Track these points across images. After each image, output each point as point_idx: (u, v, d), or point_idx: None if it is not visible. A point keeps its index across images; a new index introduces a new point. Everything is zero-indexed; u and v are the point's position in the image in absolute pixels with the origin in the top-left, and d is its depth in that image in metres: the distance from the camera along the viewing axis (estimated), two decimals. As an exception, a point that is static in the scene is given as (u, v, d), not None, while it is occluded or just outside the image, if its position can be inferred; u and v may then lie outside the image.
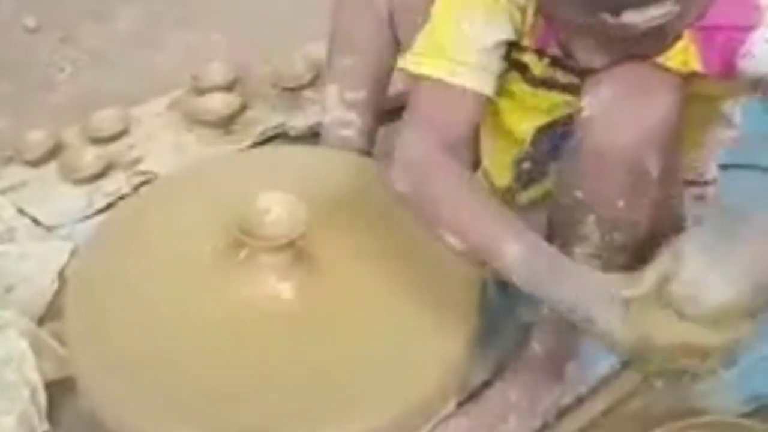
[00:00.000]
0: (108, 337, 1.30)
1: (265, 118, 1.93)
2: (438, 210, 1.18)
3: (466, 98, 1.20)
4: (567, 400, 1.41)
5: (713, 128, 1.32)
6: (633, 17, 0.98)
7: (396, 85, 1.61)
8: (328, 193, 1.45)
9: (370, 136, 1.63)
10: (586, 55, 1.10)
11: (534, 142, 1.36)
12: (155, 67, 2.13)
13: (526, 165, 1.39)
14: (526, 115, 1.34)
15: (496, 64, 1.22)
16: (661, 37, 1.07)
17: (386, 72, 1.57)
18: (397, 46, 1.53)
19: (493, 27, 1.19)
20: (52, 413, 1.36)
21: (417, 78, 1.22)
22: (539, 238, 1.16)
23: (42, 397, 1.35)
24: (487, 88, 1.21)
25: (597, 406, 1.39)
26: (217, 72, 2.02)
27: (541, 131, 1.34)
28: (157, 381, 1.25)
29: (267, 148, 1.82)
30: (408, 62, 1.23)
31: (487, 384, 1.39)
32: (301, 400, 1.23)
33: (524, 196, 1.43)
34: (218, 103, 1.93)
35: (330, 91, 1.58)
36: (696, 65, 1.11)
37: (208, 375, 1.25)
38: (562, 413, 1.39)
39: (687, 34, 1.09)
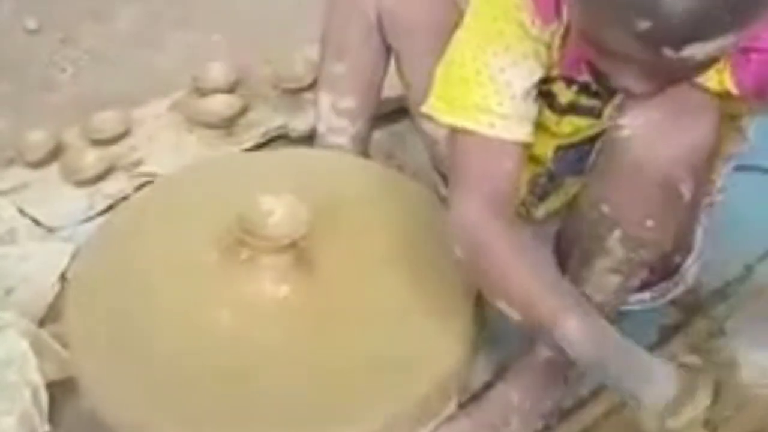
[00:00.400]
0: (109, 339, 1.30)
1: (266, 119, 1.93)
2: (492, 281, 1.19)
3: (506, 150, 1.19)
4: (568, 402, 1.40)
5: (730, 142, 1.32)
6: (694, 50, 0.95)
7: (392, 89, 1.61)
8: (329, 194, 1.45)
9: (363, 143, 1.63)
10: (631, 82, 1.05)
11: (554, 160, 1.36)
12: (156, 68, 2.13)
13: (543, 180, 1.39)
14: (549, 139, 1.34)
15: (531, 108, 1.20)
16: (710, 64, 1.04)
17: (377, 78, 1.57)
18: (387, 51, 1.53)
19: (522, 70, 1.17)
20: (53, 414, 1.36)
21: (452, 129, 1.21)
22: (592, 310, 1.17)
23: (43, 398, 1.35)
24: (526, 135, 1.20)
25: (598, 408, 1.39)
26: (218, 73, 2.02)
27: (562, 150, 1.35)
28: (157, 382, 1.25)
29: (268, 150, 1.82)
30: (438, 110, 1.21)
31: (488, 385, 1.39)
32: (302, 402, 1.23)
33: (542, 209, 1.43)
34: (219, 104, 1.93)
35: (322, 99, 1.58)
36: (729, 85, 1.10)
37: (208, 376, 1.25)
38: (564, 415, 1.39)
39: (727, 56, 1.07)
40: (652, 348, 1.47)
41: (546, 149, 1.35)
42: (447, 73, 1.21)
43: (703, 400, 1.11)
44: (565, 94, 1.26)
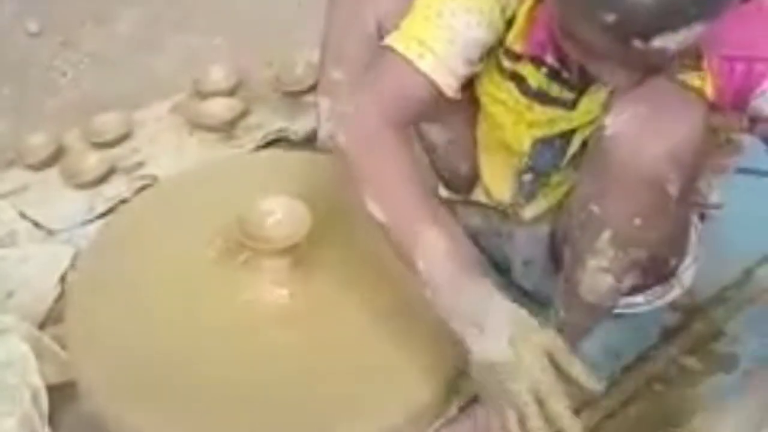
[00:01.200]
0: (109, 341, 1.30)
1: (266, 122, 1.93)
2: (368, 176, 1.20)
3: (424, 85, 1.21)
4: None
5: (720, 153, 1.31)
6: (664, 41, 0.97)
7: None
8: (328, 198, 1.45)
9: None
10: (610, 75, 1.07)
11: (533, 154, 1.36)
12: (156, 71, 2.14)
13: (527, 177, 1.39)
14: (526, 129, 1.34)
15: (461, 69, 1.21)
16: (685, 55, 1.05)
17: None
18: None
19: (472, 19, 1.19)
20: (53, 416, 1.36)
21: (387, 48, 1.23)
22: (461, 237, 1.21)
23: (43, 401, 1.35)
24: (447, 86, 1.21)
25: (598, 411, 1.39)
26: (218, 76, 2.02)
27: (541, 143, 1.34)
28: (157, 385, 1.25)
29: (268, 153, 1.82)
30: (390, 38, 1.23)
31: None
32: (302, 405, 1.23)
33: (529, 210, 1.43)
34: (220, 107, 1.93)
35: (322, 104, 1.58)
36: (708, 92, 1.10)
37: (208, 379, 1.25)
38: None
39: (707, 60, 1.08)
40: (653, 349, 1.47)
41: (523, 141, 1.34)
42: (414, 13, 1.23)
43: (531, 371, 1.08)
44: (535, 77, 1.26)
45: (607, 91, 1.18)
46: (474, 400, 1.37)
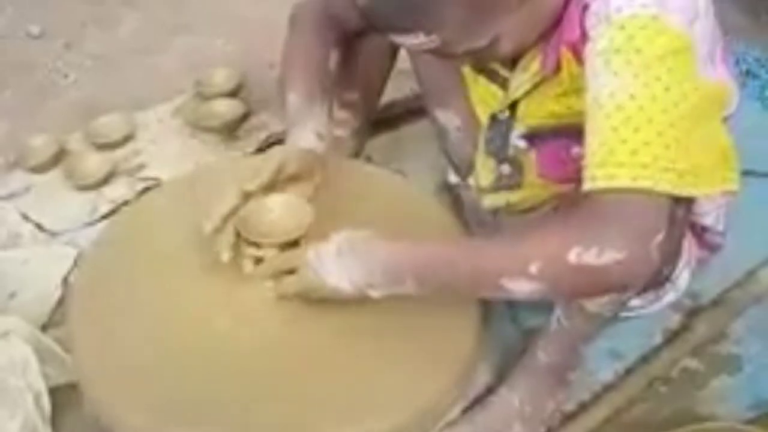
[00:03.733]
0: (112, 343, 1.30)
1: (269, 124, 1.93)
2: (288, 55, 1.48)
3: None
4: (570, 406, 1.41)
5: None
6: (400, 40, 1.08)
7: (393, 93, 1.62)
8: (332, 199, 1.45)
9: (362, 137, 1.65)
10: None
11: (488, 134, 1.39)
12: (159, 73, 2.14)
13: (506, 169, 1.39)
14: (486, 107, 1.38)
15: None
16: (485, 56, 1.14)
17: (382, 74, 1.59)
18: (394, 49, 1.55)
19: None
20: (55, 419, 1.36)
21: None
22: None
23: (46, 403, 1.35)
24: None
25: (600, 412, 1.39)
26: (221, 78, 2.03)
27: (492, 121, 1.37)
28: (161, 387, 1.25)
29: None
30: None
31: (490, 389, 1.39)
32: (304, 406, 1.22)
33: (488, 199, 1.45)
34: (222, 109, 1.94)
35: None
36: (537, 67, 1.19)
37: (212, 380, 1.25)
38: (566, 420, 1.39)
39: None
40: (655, 350, 1.47)
41: (484, 118, 1.39)
42: None
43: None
44: None
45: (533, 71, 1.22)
46: (476, 402, 1.38)
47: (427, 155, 1.73)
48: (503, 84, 1.31)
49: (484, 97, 1.39)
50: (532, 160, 1.36)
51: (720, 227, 1.40)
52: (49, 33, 2.30)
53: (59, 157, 1.87)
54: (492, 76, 1.33)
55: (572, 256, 1.00)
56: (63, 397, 1.38)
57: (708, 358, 1.48)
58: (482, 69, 1.33)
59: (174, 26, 2.31)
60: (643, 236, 1.00)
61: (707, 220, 1.37)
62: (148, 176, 1.82)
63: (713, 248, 1.44)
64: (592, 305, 1.24)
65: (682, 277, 1.41)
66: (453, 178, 1.59)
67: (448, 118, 1.49)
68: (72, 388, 1.36)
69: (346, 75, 1.56)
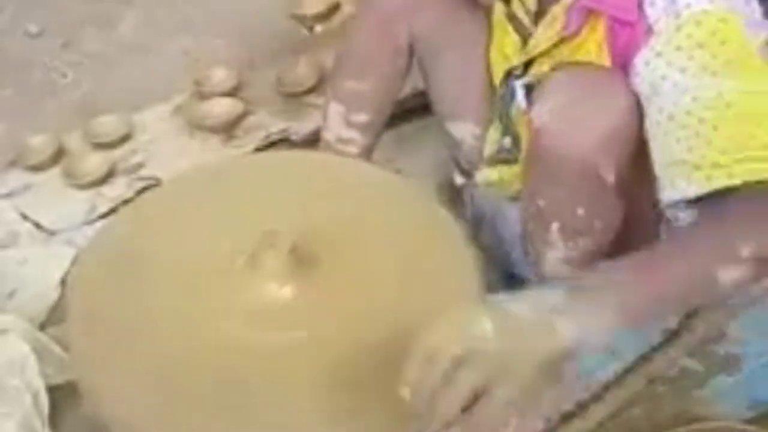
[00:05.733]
0: (110, 343, 1.30)
1: (267, 123, 1.93)
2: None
3: None
4: (569, 406, 1.40)
5: None
6: None
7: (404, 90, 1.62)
8: (331, 198, 1.45)
9: (369, 151, 1.64)
10: None
11: (501, 94, 1.38)
12: (157, 72, 2.14)
13: (507, 143, 1.39)
14: (501, 64, 1.37)
15: None
16: None
17: (394, 97, 1.59)
18: (407, 70, 1.55)
19: None
20: (54, 418, 1.36)
21: None
22: None
23: (44, 402, 1.35)
24: None
25: (599, 412, 1.39)
26: (219, 77, 2.02)
27: (505, 80, 1.37)
28: (160, 386, 1.25)
29: (269, 153, 1.82)
30: None
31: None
32: (304, 407, 1.22)
33: (484, 173, 1.45)
34: (221, 108, 1.94)
35: (333, 109, 1.58)
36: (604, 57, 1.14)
37: (211, 381, 1.25)
38: (564, 420, 1.39)
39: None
40: (654, 350, 1.47)
41: (500, 75, 1.38)
42: None
43: None
44: None
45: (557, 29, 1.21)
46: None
47: (428, 154, 1.73)
48: (525, 38, 1.30)
49: (506, 51, 1.37)
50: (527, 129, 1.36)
51: None
52: (47, 32, 2.30)
53: (58, 156, 1.87)
54: (518, 27, 1.32)
55: None
56: (61, 396, 1.38)
57: (707, 358, 1.48)
58: (513, 15, 1.32)
59: (172, 25, 2.30)
60: None
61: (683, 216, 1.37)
62: (147, 175, 1.82)
63: None
64: None
65: None
66: (459, 180, 1.59)
67: (466, 129, 1.48)
68: (70, 387, 1.36)
69: (357, 97, 1.56)
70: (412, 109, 1.83)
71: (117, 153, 1.89)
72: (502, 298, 1.02)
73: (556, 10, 1.20)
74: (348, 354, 1.29)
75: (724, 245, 0.99)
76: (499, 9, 1.38)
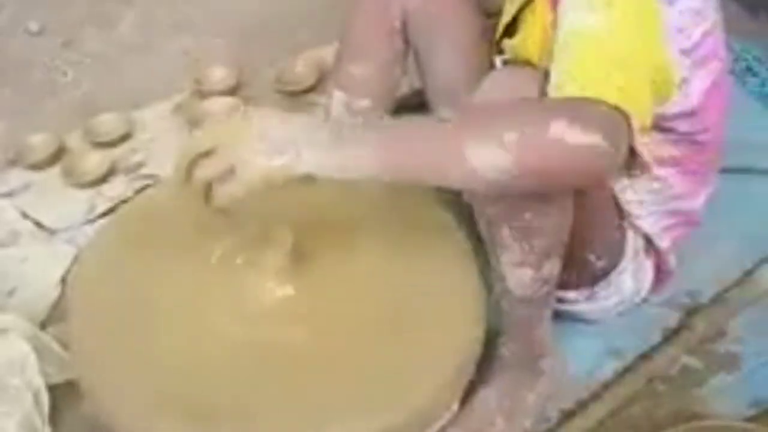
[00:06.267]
0: (110, 341, 1.30)
1: (267, 122, 1.93)
2: None
3: None
4: (569, 405, 1.41)
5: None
6: None
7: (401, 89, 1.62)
8: (330, 198, 1.45)
9: None
10: None
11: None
12: (157, 71, 2.14)
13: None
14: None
15: None
16: None
17: (394, 81, 1.58)
18: (405, 54, 1.55)
19: None
20: (54, 417, 1.36)
21: None
22: None
23: (45, 401, 1.35)
24: None
25: (599, 411, 1.39)
26: (219, 76, 2.03)
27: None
28: (160, 385, 1.25)
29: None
30: None
31: (468, 391, 1.36)
32: (299, 406, 1.23)
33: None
34: (220, 107, 1.94)
35: (336, 97, 1.58)
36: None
37: (211, 380, 1.25)
38: (565, 418, 1.39)
39: None
40: (654, 349, 1.47)
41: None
42: None
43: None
44: None
45: None
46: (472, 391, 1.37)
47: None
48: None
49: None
50: None
51: (663, 244, 1.40)
52: (48, 31, 2.29)
53: (58, 154, 1.87)
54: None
55: (553, 129, 0.99)
56: (62, 395, 1.38)
57: (707, 357, 1.48)
58: None
59: (172, 24, 2.30)
60: (618, 136, 1.02)
61: (647, 227, 1.37)
62: (147, 174, 1.82)
63: (663, 266, 1.44)
64: (520, 289, 1.25)
65: (624, 281, 1.41)
66: None
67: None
68: (71, 386, 1.36)
69: (358, 82, 1.56)
70: (411, 108, 1.83)
71: (117, 152, 1.89)
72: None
73: None
74: (346, 351, 1.29)
75: (487, 127, 1.02)
76: None
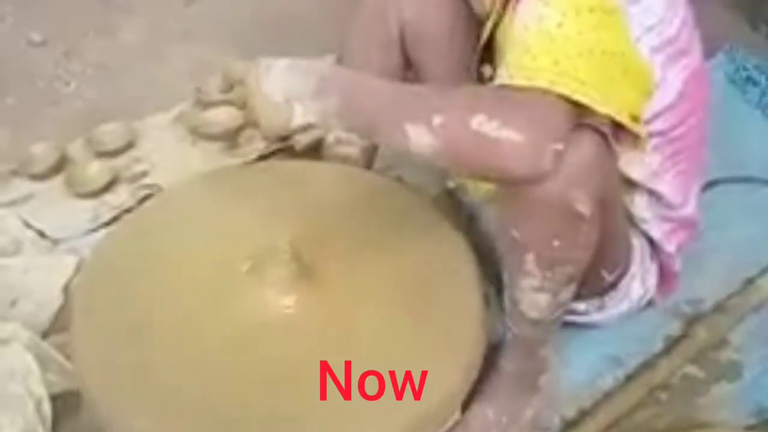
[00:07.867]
0: (113, 351, 1.30)
1: (269, 131, 1.93)
2: None
3: None
4: (571, 413, 1.41)
5: (631, 165, 1.30)
6: None
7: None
8: (332, 207, 1.46)
9: (371, 155, 1.64)
10: None
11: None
12: (159, 81, 2.14)
13: None
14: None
15: None
16: None
17: None
18: (404, 66, 1.55)
19: None
20: (56, 426, 1.36)
21: None
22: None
23: (47, 410, 1.35)
24: None
25: (601, 419, 1.39)
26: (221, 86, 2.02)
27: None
28: (162, 394, 1.25)
29: (271, 162, 1.83)
30: None
31: (465, 407, 1.36)
32: (302, 416, 1.23)
33: (484, 187, 1.46)
34: (223, 116, 1.94)
35: None
36: None
37: (213, 388, 1.25)
38: (567, 427, 1.39)
39: None
40: (656, 357, 1.47)
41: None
42: None
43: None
44: None
45: None
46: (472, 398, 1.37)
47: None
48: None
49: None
50: None
51: (669, 248, 1.40)
52: (50, 41, 2.30)
53: (61, 164, 1.87)
54: None
55: (475, 121, 1.05)
56: (64, 405, 1.38)
57: (708, 365, 1.48)
58: None
59: (174, 34, 2.31)
60: (543, 133, 1.06)
61: (654, 233, 1.38)
62: (150, 183, 1.82)
63: (671, 270, 1.45)
64: (533, 312, 1.24)
65: (633, 287, 1.41)
66: (451, 183, 1.59)
67: None
68: (73, 395, 1.36)
69: None
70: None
71: (120, 161, 1.89)
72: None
73: None
74: (349, 360, 1.29)
75: (426, 106, 1.11)
76: None
